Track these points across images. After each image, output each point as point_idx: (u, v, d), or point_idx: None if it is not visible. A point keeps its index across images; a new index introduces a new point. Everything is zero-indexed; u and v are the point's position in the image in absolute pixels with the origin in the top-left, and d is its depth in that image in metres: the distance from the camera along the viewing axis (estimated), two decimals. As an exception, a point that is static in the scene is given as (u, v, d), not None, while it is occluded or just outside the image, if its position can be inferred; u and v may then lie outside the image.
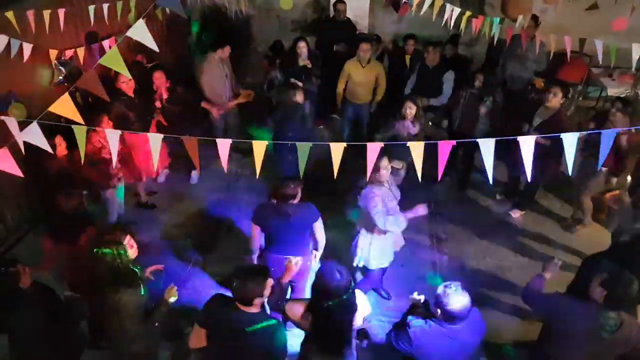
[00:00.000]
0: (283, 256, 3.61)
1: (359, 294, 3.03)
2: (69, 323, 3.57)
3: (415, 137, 5.10)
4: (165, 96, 5.71)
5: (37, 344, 3.22)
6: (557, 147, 2.71)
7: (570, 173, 2.72)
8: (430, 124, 5.40)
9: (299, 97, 5.19)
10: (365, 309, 3.05)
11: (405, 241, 4.63)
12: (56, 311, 3.37)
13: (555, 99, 5.10)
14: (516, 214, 5.99)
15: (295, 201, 3.69)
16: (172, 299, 3.27)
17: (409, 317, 2.95)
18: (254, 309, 2.78)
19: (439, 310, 2.81)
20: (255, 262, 3.95)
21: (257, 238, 3.87)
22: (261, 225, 3.81)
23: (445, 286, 2.79)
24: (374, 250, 4.23)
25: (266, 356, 2.82)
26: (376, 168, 3.68)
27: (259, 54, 8.00)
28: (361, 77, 6.24)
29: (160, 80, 5.66)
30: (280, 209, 3.68)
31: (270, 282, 2.78)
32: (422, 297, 3.14)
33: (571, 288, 3.93)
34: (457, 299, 2.73)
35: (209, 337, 2.88)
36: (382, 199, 3.94)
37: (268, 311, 3.28)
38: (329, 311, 2.78)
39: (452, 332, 2.82)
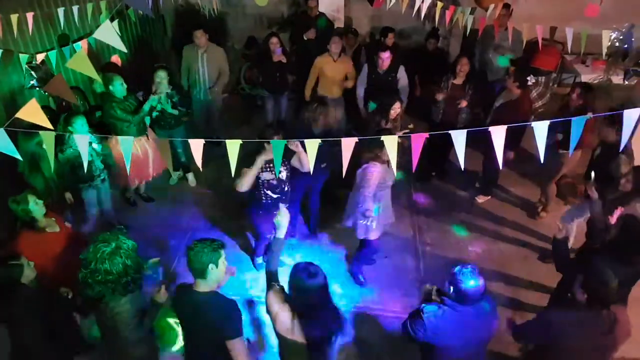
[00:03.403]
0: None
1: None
2: (66, 319, 3.55)
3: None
4: (167, 100, 5.58)
5: (37, 338, 3.17)
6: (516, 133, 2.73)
7: (542, 160, 2.77)
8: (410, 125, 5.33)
9: None
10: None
11: (388, 233, 4.67)
12: (54, 307, 3.34)
13: (514, 87, 5.31)
14: (482, 199, 6.14)
15: None
16: (162, 300, 3.16)
17: (422, 305, 3.01)
18: (207, 288, 2.85)
19: (452, 288, 2.90)
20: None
21: None
22: None
23: (462, 266, 2.90)
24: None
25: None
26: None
27: (236, 51, 7.95)
28: (333, 71, 6.22)
29: (163, 81, 5.44)
30: None
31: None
32: (434, 287, 3.18)
33: (560, 286, 4.01)
34: (472, 279, 2.83)
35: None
36: (379, 177, 4.07)
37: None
38: (308, 314, 2.80)
39: (465, 314, 2.88)
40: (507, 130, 2.68)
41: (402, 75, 6.00)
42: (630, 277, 3.56)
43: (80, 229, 4.72)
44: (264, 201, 4.41)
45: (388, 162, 4.04)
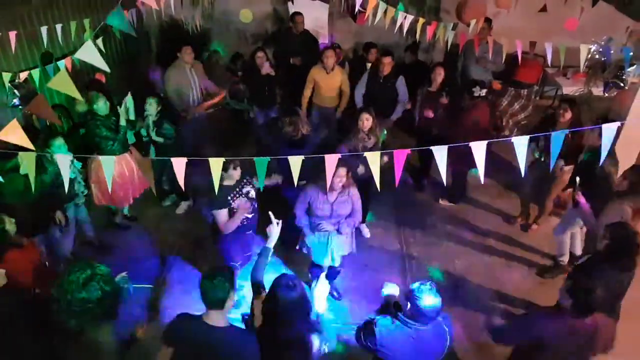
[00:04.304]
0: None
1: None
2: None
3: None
4: (153, 127, 5.52)
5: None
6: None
7: (522, 174, 2.81)
8: (385, 132, 5.38)
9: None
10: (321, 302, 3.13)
11: (374, 246, 4.66)
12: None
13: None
14: (445, 203, 6.30)
15: None
16: (142, 337, 3.06)
17: (377, 317, 2.98)
18: (222, 321, 2.73)
19: (408, 304, 2.84)
20: None
21: None
22: None
23: (421, 283, 2.83)
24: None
25: None
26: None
27: (220, 67, 7.98)
28: (326, 83, 6.32)
29: (153, 109, 5.45)
30: None
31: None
32: (396, 289, 3.21)
33: None
34: (429, 297, 2.76)
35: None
36: (310, 204, 4.14)
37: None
38: (278, 331, 2.79)
39: (417, 333, 2.84)
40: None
41: (401, 86, 6.11)
42: (619, 285, 3.59)
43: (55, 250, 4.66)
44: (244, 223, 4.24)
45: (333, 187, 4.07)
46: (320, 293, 3.20)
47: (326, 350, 3.08)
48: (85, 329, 2.70)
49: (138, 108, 5.35)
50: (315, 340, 2.95)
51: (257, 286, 3.11)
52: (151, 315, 4.47)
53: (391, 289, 3.28)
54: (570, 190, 4.98)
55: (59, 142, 4.46)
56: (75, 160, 4.68)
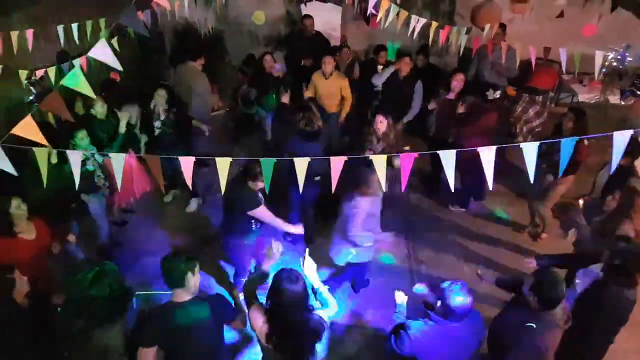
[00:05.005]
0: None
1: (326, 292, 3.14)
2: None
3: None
4: (163, 116, 5.61)
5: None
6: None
7: (532, 181, 2.77)
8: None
9: None
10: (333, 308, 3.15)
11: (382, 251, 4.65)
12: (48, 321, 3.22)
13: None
14: (456, 209, 6.23)
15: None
16: None
17: (407, 321, 3.05)
18: (185, 295, 2.84)
19: (439, 303, 2.93)
20: None
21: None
22: None
23: (452, 282, 2.94)
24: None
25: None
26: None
27: (232, 68, 8.04)
28: (325, 88, 6.34)
29: (162, 98, 5.56)
30: None
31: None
32: (405, 298, 3.31)
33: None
34: (460, 296, 2.85)
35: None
36: (366, 211, 4.09)
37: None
38: (288, 320, 2.81)
39: (450, 330, 2.91)
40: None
41: (417, 91, 6.11)
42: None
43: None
44: (253, 229, 4.31)
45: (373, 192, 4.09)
46: (309, 269, 3.23)
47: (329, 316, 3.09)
48: (92, 331, 2.71)
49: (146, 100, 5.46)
50: (324, 314, 3.00)
51: (250, 295, 3.11)
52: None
53: (422, 289, 3.36)
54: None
55: (82, 134, 4.60)
56: (97, 154, 4.77)
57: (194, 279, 2.87)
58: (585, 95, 8.16)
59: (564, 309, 3.01)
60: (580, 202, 5.09)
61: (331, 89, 6.33)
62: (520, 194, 6.33)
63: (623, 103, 7.92)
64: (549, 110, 7.98)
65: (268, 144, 6.44)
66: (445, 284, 2.95)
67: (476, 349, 3.07)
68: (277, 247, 3.35)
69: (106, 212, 5.27)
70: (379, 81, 6.37)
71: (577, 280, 3.63)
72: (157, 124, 5.58)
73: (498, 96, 5.47)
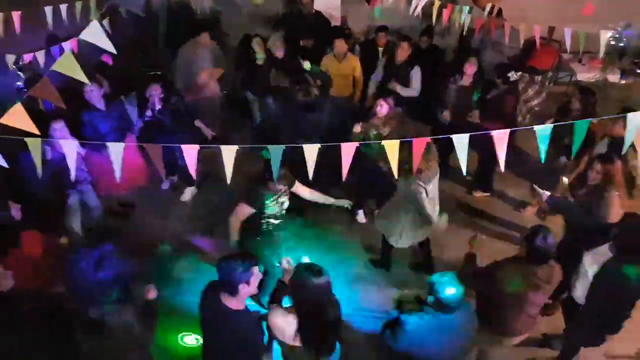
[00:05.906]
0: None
1: None
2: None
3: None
4: (158, 106, 5.41)
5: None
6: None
7: (542, 160, 2.82)
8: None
9: None
10: None
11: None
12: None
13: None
14: (479, 194, 6.11)
15: None
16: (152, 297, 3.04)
17: (402, 315, 3.02)
18: (239, 304, 2.74)
19: (431, 297, 2.93)
20: None
21: None
22: None
23: (440, 275, 2.93)
24: None
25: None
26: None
27: (230, 49, 7.84)
28: (339, 71, 6.19)
29: (156, 90, 5.37)
30: None
31: (256, 270, 2.71)
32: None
33: None
34: (451, 287, 2.84)
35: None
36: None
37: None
38: (315, 313, 2.76)
39: (446, 322, 2.91)
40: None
41: (415, 75, 5.97)
42: None
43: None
44: (264, 229, 4.16)
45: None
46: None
47: None
48: (107, 316, 2.73)
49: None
50: None
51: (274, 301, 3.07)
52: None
53: None
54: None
55: (59, 125, 4.37)
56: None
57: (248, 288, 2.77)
58: (584, 75, 8.07)
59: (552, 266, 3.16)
60: (565, 179, 5.03)
61: (345, 71, 6.21)
62: (520, 174, 6.25)
63: (623, 82, 7.85)
64: (547, 90, 7.92)
65: (257, 129, 6.31)
66: (434, 278, 2.94)
67: (465, 342, 3.11)
68: (287, 261, 3.26)
69: (98, 204, 5.12)
70: (376, 79, 6.24)
71: (586, 267, 3.57)
72: (149, 113, 5.39)
73: (518, 77, 5.36)
